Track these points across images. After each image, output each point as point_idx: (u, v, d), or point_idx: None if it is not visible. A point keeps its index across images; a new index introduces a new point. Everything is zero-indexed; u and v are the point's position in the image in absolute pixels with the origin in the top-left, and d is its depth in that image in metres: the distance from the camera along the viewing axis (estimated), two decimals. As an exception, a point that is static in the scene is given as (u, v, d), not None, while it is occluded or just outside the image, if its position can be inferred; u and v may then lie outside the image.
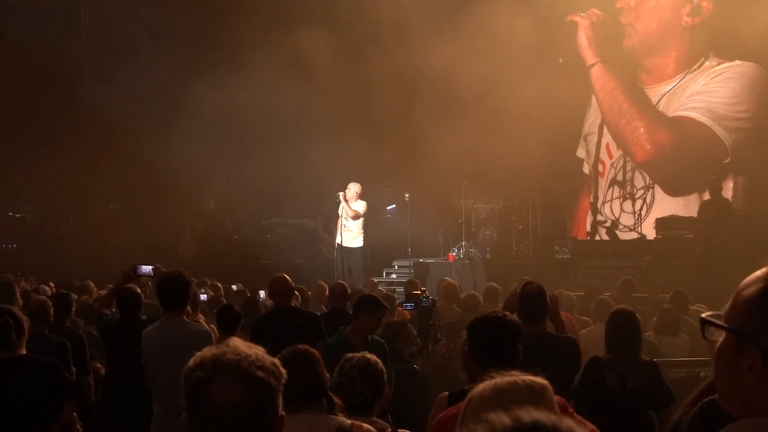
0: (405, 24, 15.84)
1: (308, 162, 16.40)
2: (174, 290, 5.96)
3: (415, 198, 15.44)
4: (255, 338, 6.23)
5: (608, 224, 16.61)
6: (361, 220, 14.65)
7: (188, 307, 6.25)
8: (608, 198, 16.84)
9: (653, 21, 16.27)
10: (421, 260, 15.89)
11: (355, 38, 16.61)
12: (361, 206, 14.56)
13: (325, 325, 6.88)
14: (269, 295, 8.00)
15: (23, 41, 16.67)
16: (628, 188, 16.58)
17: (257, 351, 1.91)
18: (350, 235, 14.64)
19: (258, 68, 15.87)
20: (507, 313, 4.00)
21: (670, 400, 5.40)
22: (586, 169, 17.25)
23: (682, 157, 15.61)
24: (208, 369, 1.86)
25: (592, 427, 3.55)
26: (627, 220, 16.43)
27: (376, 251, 16.20)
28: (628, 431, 5.33)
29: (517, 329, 3.70)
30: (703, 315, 1.77)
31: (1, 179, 17.56)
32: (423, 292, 8.25)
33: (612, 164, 16.91)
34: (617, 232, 16.51)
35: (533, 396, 2.26)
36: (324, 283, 10.52)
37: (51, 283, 11.08)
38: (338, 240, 14.66)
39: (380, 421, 4.18)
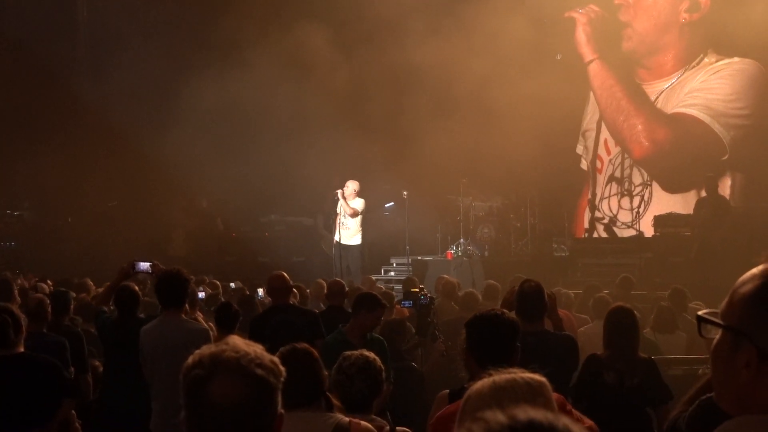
0: (404, 21, 15.82)
1: (306, 159, 16.39)
2: (172, 288, 5.95)
3: (413, 195, 15.45)
4: (253, 336, 6.22)
5: (606, 221, 16.61)
6: (359, 218, 14.64)
7: (186, 305, 6.25)
8: (606, 195, 16.84)
9: (651, 18, 16.26)
10: (419, 258, 15.89)
11: (354, 35, 16.59)
12: (359, 204, 14.56)
13: (322, 323, 6.89)
14: (267, 292, 8.00)
15: (21, 39, 16.66)
16: (626, 185, 16.57)
17: (256, 349, 1.90)
18: (348, 232, 14.64)
19: (256, 65, 15.86)
20: (505, 310, 4.01)
21: (668, 397, 5.41)
22: (584, 165, 17.26)
23: (681, 154, 15.62)
24: (207, 367, 1.85)
25: (590, 422, 3.56)
26: (625, 217, 16.42)
27: (374, 249, 16.21)
28: (627, 428, 5.34)
29: (515, 327, 3.70)
30: (700, 312, 1.77)
31: (-1, 177, 17.57)
32: (421, 289, 8.25)
33: (610, 161, 16.90)
34: (615, 229, 16.52)
35: (532, 393, 2.26)
36: (323, 281, 10.51)
37: (49, 281, 11.07)
38: (336, 237, 14.65)
39: (378, 419, 4.18)
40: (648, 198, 16.25)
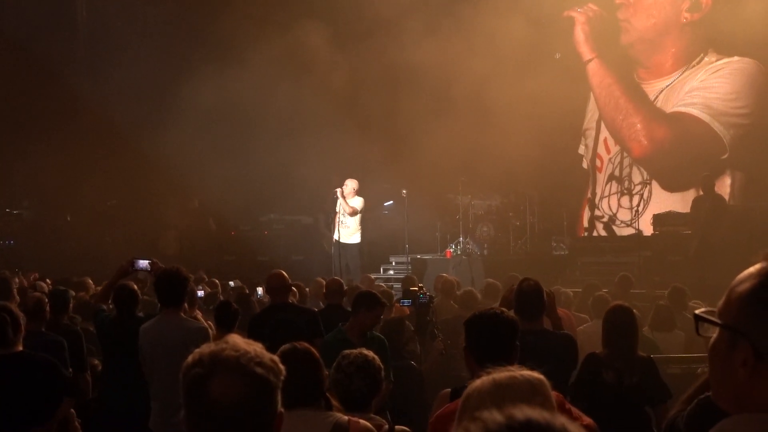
0: (403, 20, 15.83)
1: (305, 158, 16.39)
2: (171, 286, 5.95)
3: (412, 194, 15.45)
4: (251, 335, 6.17)
5: (605, 220, 16.62)
6: (358, 217, 14.64)
7: (186, 304, 6.25)
8: (606, 193, 16.85)
9: (652, 17, 16.26)
10: (418, 256, 15.90)
11: (352, 34, 16.60)
12: (358, 202, 14.56)
13: (321, 322, 6.89)
14: (266, 291, 7.99)
15: (21, 38, 16.66)
16: (626, 184, 16.59)
17: (256, 348, 1.90)
18: (347, 231, 14.64)
19: (255, 64, 15.86)
20: (504, 309, 4.01)
21: (667, 396, 5.41)
22: (585, 164, 17.27)
23: (680, 153, 15.62)
24: (207, 366, 1.85)
25: (588, 420, 3.56)
26: (624, 215, 16.43)
27: (373, 247, 16.21)
28: (625, 427, 5.33)
29: (514, 326, 3.70)
30: (697, 311, 1.78)
31: (-2, 176, 17.58)
32: (420, 288, 8.25)
33: (610, 159, 16.92)
34: (614, 227, 16.53)
35: (531, 391, 2.27)
36: (322, 280, 10.51)
37: (48, 280, 11.06)
38: (335, 236, 14.65)
39: (377, 417, 4.19)
40: (647, 197, 16.26)
